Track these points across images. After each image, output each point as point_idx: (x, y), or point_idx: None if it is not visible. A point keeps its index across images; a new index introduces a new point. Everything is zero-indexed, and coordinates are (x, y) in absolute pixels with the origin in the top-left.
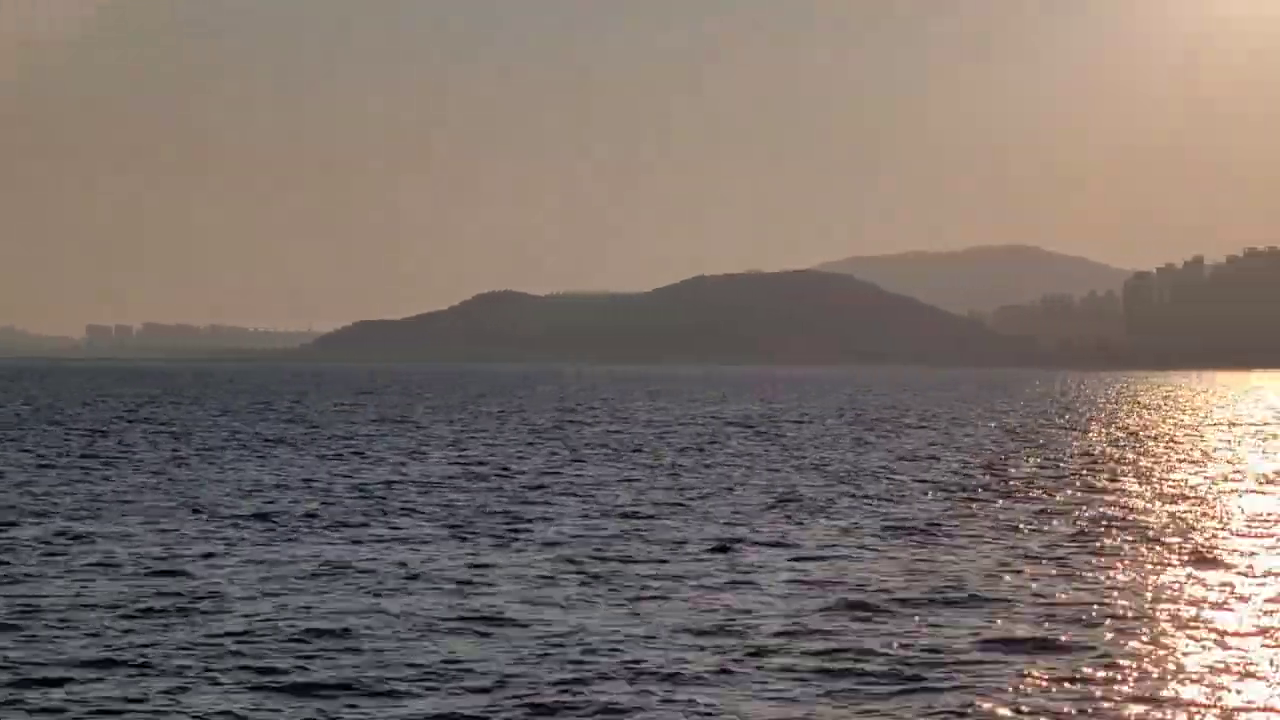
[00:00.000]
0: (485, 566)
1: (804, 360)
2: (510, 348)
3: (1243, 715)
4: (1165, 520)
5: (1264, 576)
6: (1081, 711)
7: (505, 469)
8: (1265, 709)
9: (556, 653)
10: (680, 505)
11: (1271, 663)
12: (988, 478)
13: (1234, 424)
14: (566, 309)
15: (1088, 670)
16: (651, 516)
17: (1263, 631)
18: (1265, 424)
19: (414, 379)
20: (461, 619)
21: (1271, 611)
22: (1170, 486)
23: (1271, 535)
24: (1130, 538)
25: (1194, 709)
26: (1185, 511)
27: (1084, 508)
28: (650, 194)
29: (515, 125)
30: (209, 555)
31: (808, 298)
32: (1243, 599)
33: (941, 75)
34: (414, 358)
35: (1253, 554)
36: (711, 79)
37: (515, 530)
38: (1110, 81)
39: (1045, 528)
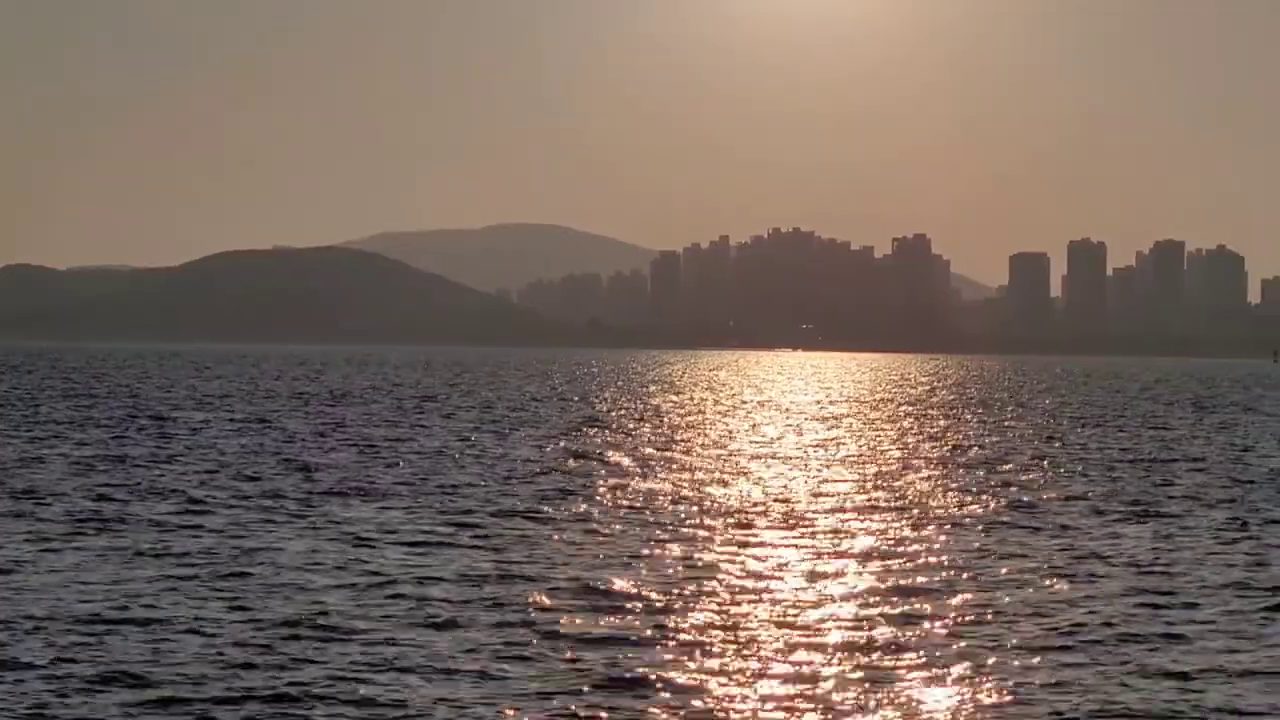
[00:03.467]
0: None
1: (330, 338)
2: (29, 324)
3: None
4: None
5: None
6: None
7: None
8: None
9: None
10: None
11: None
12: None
13: (725, 401)
14: (89, 284)
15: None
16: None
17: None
18: (770, 402)
19: None
20: None
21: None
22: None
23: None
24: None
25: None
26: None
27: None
28: (180, 167)
29: (43, 96)
30: None
31: (334, 275)
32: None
33: (482, 58)
34: None
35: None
36: (249, 55)
37: None
38: (641, 68)
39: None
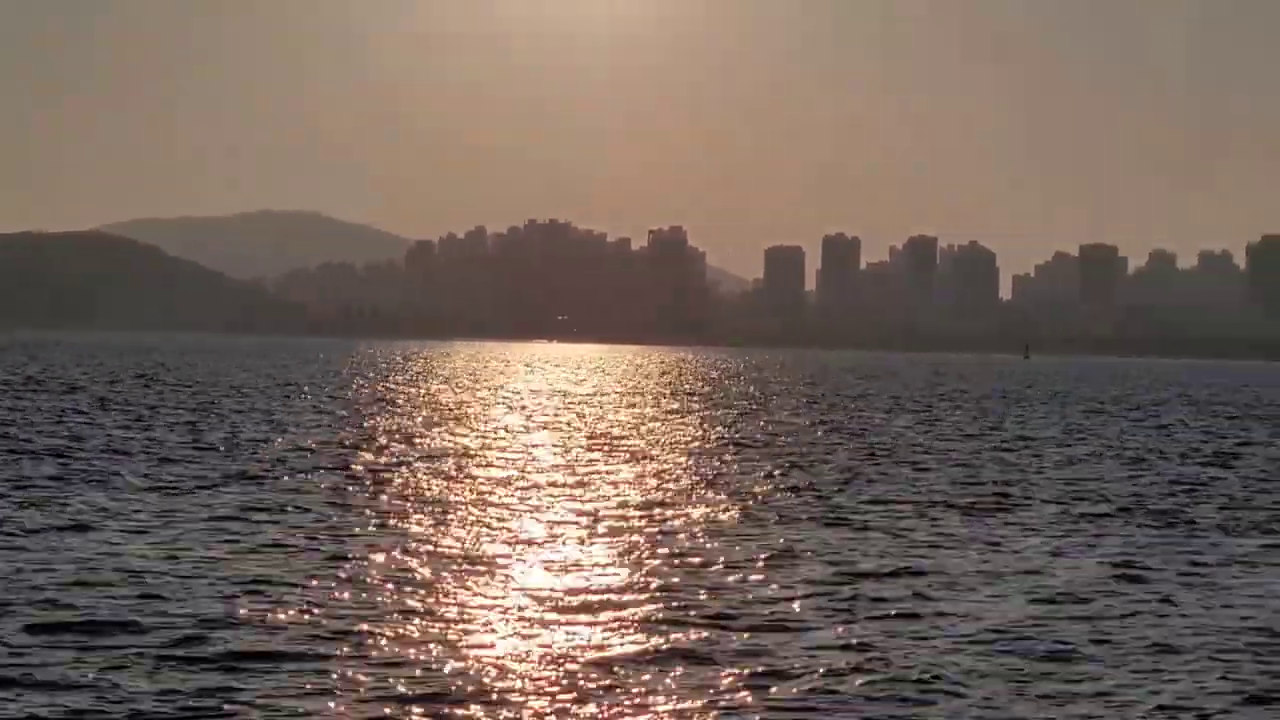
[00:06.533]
0: None
1: (81, 325)
2: None
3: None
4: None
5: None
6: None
7: None
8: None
9: None
10: None
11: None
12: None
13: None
14: None
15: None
16: None
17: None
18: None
19: None
20: None
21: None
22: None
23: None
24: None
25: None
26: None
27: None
28: None
29: None
30: None
31: (87, 260)
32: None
33: (236, 46)
34: None
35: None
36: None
37: None
38: (396, 58)
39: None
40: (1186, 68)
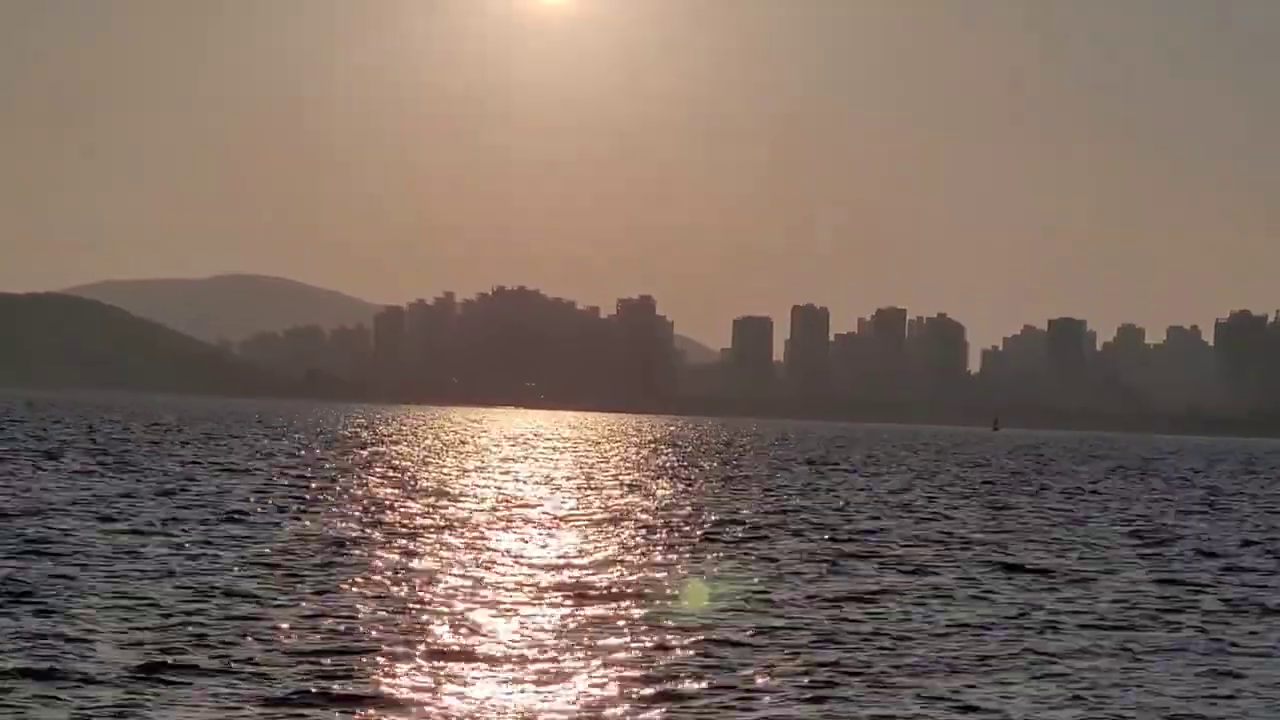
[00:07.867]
0: None
1: (46, 386)
2: None
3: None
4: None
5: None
6: None
7: None
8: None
9: None
10: None
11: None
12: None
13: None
14: None
15: None
16: None
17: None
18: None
19: None
20: None
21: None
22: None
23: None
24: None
25: None
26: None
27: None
28: None
29: None
30: None
31: (53, 321)
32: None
33: (202, 111)
34: None
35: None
36: None
37: None
38: (365, 123)
39: None
40: (1154, 143)
